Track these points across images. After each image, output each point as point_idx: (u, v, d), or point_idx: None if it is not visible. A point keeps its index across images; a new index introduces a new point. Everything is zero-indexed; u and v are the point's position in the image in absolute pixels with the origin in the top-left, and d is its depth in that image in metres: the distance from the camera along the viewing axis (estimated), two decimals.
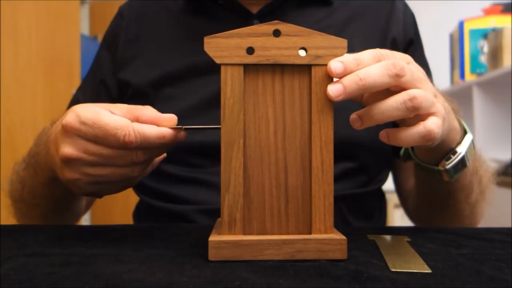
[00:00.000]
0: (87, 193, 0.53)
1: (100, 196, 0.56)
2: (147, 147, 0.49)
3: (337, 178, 0.73)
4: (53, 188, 0.64)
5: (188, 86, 0.75)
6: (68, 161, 0.49)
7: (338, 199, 0.74)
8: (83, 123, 0.48)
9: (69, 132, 0.49)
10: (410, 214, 0.88)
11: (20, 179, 0.71)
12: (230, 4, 0.78)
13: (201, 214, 0.72)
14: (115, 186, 0.52)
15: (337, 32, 0.77)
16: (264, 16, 0.76)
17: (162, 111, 0.51)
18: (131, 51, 0.80)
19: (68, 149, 0.49)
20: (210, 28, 0.77)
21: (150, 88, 0.77)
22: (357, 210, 0.77)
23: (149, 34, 0.81)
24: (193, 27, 0.79)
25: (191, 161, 0.74)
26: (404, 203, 0.89)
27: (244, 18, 0.77)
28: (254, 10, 0.78)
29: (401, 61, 0.47)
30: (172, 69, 0.77)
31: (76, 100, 0.84)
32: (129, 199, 1.05)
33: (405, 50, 0.81)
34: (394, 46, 0.80)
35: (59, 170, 0.52)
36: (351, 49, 0.78)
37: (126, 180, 0.52)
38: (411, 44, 0.83)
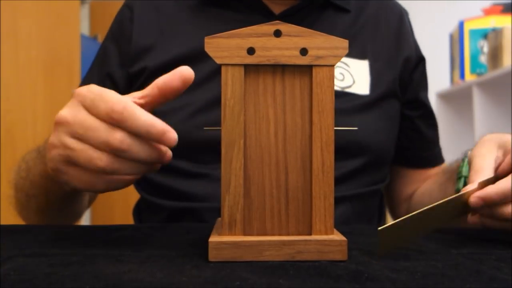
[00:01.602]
0: (59, 174, 0.49)
1: (75, 189, 0.51)
2: (132, 134, 0.44)
3: (345, 179, 0.75)
4: (45, 180, 0.63)
5: (203, 69, 0.74)
6: (58, 124, 0.47)
7: (344, 200, 0.75)
8: (89, 90, 0.46)
9: (74, 98, 0.47)
10: (398, 217, 0.91)
11: (28, 167, 0.70)
12: (252, 2, 0.78)
13: (213, 212, 0.71)
14: (81, 174, 0.47)
15: (353, 38, 0.81)
16: (286, 18, 0.76)
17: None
18: (146, 42, 0.79)
19: (64, 112, 0.47)
20: (233, 18, 0.77)
21: (166, 69, 0.76)
22: (361, 210, 0.77)
23: (166, 25, 0.80)
24: (214, 16, 0.79)
25: (199, 157, 0.73)
26: (393, 207, 0.93)
27: (266, 17, 0.77)
28: (277, 11, 0.78)
29: None
30: (190, 51, 0.76)
31: None
32: (129, 198, 1.05)
33: (415, 66, 0.86)
34: (406, 63, 0.84)
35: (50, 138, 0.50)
36: (363, 54, 0.80)
37: (92, 172, 0.46)
38: (421, 61, 0.87)
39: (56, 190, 0.65)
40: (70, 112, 0.46)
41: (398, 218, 0.94)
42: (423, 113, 0.88)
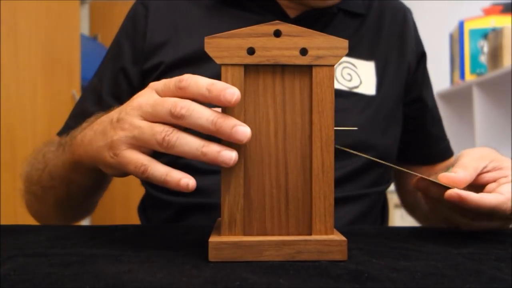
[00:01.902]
0: (114, 159, 0.48)
1: (120, 174, 0.52)
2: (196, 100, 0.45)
3: (349, 178, 0.75)
4: (69, 171, 0.64)
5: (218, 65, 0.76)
6: (132, 109, 0.48)
7: (349, 200, 0.75)
8: (163, 80, 0.48)
9: (148, 87, 0.49)
10: (406, 207, 0.95)
11: (45, 159, 0.71)
12: (269, 3, 0.78)
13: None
14: (138, 156, 0.47)
15: (361, 40, 0.82)
16: (298, 22, 0.76)
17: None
18: (162, 38, 0.80)
19: (138, 98, 0.48)
20: (248, 18, 0.78)
21: (182, 63, 0.77)
22: (366, 211, 0.78)
23: (182, 22, 0.81)
24: (230, 16, 0.80)
25: None
26: (402, 197, 0.96)
27: (281, 20, 0.77)
28: (292, 14, 0.79)
29: None
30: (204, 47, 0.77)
31: (94, 88, 0.83)
32: (130, 198, 1.05)
33: (418, 62, 0.87)
34: (410, 65, 0.85)
35: (121, 111, 0.49)
36: (370, 55, 0.81)
37: (148, 154, 0.47)
38: (423, 56, 0.88)
39: (79, 181, 0.65)
40: (143, 98, 0.48)
41: (407, 208, 0.97)
42: (427, 111, 0.89)
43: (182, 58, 0.77)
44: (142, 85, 0.79)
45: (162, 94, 0.47)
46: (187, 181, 0.44)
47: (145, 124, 0.46)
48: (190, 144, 0.44)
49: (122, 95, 0.79)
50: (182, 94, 0.45)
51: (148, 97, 0.47)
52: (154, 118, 0.46)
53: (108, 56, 0.85)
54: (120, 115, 0.48)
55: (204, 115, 0.43)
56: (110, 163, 0.49)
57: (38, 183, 0.72)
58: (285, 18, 0.77)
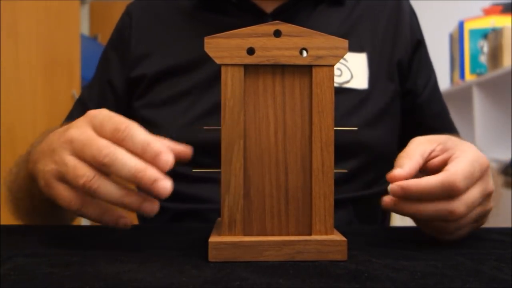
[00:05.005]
0: (49, 189, 0.49)
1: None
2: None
3: (345, 180, 0.74)
4: (29, 184, 0.62)
5: (201, 75, 0.75)
6: (65, 142, 0.47)
7: (346, 202, 0.74)
8: (100, 112, 0.48)
9: (84, 118, 0.48)
10: None
11: (17, 170, 0.70)
12: (244, 3, 0.78)
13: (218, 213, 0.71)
14: (67, 192, 0.47)
15: (350, 31, 0.79)
16: (278, 16, 0.75)
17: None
18: (145, 49, 0.80)
19: (72, 131, 0.47)
20: (226, 23, 0.77)
21: (165, 76, 0.77)
22: (363, 214, 0.76)
23: (163, 31, 0.81)
24: (208, 21, 0.79)
25: (201, 162, 0.73)
26: None
27: (258, 17, 0.76)
28: (268, 9, 0.78)
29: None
30: (187, 58, 0.77)
31: (83, 101, 0.84)
32: None
33: (413, 51, 0.82)
34: (404, 54, 0.81)
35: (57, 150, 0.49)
36: (361, 47, 0.78)
37: (76, 192, 0.47)
38: (418, 45, 0.83)
39: (38, 195, 0.64)
40: (77, 131, 0.47)
41: None
42: (424, 102, 0.83)
43: (164, 70, 0.77)
44: (128, 94, 0.80)
45: (97, 131, 0.46)
46: (125, 221, 0.47)
47: (71, 163, 0.46)
48: (112, 193, 0.45)
49: (108, 108, 0.79)
50: (117, 142, 0.45)
51: (82, 131, 0.46)
52: (82, 157, 0.46)
53: (97, 68, 0.86)
54: (55, 145, 0.48)
55: (126, 166, 0.43)
56: (43, 191, 0.49)
57: (11, 194, 0.71)
58: (263, 15, 0.76)
